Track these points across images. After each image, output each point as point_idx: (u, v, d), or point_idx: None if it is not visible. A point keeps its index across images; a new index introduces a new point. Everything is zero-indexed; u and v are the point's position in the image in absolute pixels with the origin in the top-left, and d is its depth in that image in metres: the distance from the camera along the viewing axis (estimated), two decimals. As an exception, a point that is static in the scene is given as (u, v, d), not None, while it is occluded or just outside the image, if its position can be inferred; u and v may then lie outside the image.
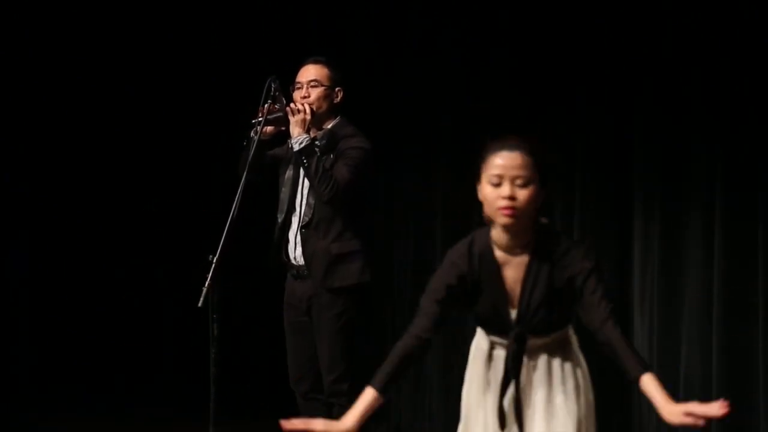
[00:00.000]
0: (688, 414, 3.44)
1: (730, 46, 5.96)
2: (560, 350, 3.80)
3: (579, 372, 3.83)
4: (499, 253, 3.72)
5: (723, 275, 5.93)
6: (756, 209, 5.88)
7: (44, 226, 8.56)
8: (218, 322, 5.01)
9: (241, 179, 5.29)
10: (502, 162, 3.62)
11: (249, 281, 7.89)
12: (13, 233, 8.51)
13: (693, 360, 6.05)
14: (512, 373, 3.74)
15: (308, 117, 5.39)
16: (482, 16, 7.14)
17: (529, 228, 3.68)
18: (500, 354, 3.80)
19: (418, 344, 3.75)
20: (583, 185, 6.60)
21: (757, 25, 5.85)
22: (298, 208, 5.48)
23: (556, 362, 3.79)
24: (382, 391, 3.76)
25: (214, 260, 4.99)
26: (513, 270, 3.71)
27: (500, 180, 3.62)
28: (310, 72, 5.52)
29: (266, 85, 5.39)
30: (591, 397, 3.85)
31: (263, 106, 5.41)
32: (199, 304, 4.95)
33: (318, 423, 3.71)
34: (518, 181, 3.62)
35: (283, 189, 5.54)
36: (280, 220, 5.51)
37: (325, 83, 5.51)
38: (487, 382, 3.81)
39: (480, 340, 3.89)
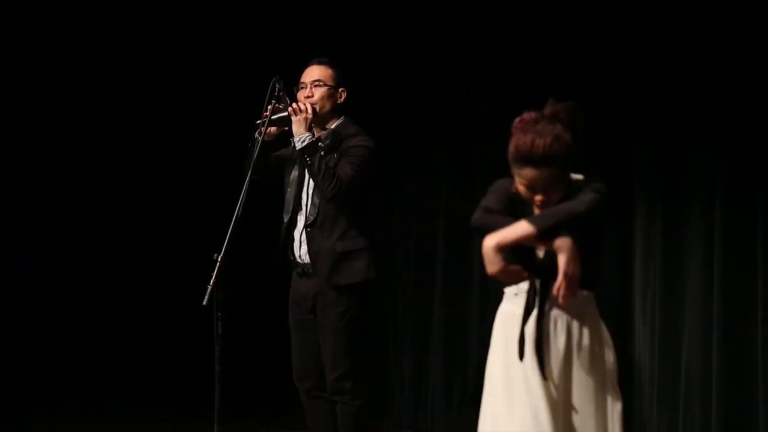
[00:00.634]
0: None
1: (730, 46, 5.97)
2: (581, 316, 3.88)
3: (597, 340, 3.90)
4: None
5: (723, 275, 5.94)
6: (756, 209, 5.90)
7: (45, 226, 8.58)
8: (223, 320, 5.02)
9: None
10: (531, 176, 3.81)
11: (253, 280, 7.91)
12: (15, 233, 8.52)
13: (693, 359, 6.07)
14: (533, 303, 3.83)
15: (310, 116, 5.41)
16: (482, 16, 7.17)
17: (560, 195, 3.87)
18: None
19: None
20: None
21: (757, 25, 5.87)
22: (303, 208, 5.50)
23: (575, 328, 3.88)
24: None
25: (219, 259, 5.00)
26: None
27: (533, 189, 3.82)
28: (314, 72, 5.55)
29: (270, 84, 5.41)
30: (610, 365, 3.90)
31: (267, 106, 5.42)
32: (204, 303, 4.96)
33: None
34: (547, 189, 3.82)
35: (288, 189, 5.57)
36: (286, 219, 5.54)
37: (329, 83, 5.53)
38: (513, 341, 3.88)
39: (503, 306, 3.97)
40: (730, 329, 5.93)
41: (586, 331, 3.88)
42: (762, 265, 5.84)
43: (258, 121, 5.45)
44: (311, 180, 5.44)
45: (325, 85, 5.53)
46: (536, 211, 3.88)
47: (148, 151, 8.53)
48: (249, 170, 5.27)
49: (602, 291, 4.03)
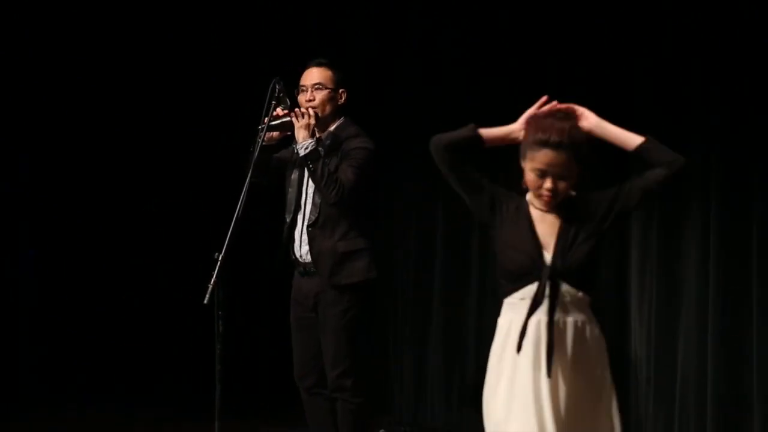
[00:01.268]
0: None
1: (727, 48, 5.99)
2: (582, 318, 3.90)
3: (596, 340, 3.93)
4: (534, 210, 3.94)
5: (719, 275, 5.97)
6: (751, 211, 5.92)
7: (45, 225, 8.58)
8: (223, 319, 5.03)
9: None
10: (547, 160, 3.85)
11: (254, 279, 7.93)
12: (15, 233, 8.53)
13: (689, 358, 6.09)
14: (540, 299, 3.84)
15: (312, 122, 5.43)
16: (482, 16, 7.17)
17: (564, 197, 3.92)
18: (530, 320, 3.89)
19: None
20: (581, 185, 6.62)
21: (757, 25, 5.88)
22: (304, 208, 5.52)
23: (579, 329, 3.90)
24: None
25: (220, 258, 5.02)
26: (546, 223, 3.92)
27: (543, 174, 3.85)
28: (314, 75, 5.56)
29: (271, 86, 5.42)
30: (606, 363, 3.94)
31: (268, 106, 5.43)
32: (205, 301, 4.98)
33: None
34: (560, 176, 3.85)
35: (290, 190, 5.59)
36: (288, 219, 5.57)
37: (329, 86, 5.55)
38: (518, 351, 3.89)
39: (506, 316, 3.95)
40: (726, 329, 5.96)
41: (587, 332, 3.90)
42: (757, 265, 5.87)
43: (260, 126, 5.46)
44: (311, 181, 5.46)
45: (326, 87, 5.54)
46: (537, 206, 3.91)
47: (148, 152, 8.54)
48: (249, 172, 5.29)
49: (599, 291, 4.05)
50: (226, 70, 8.33)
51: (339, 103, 5.57)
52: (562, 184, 3.86)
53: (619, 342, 6.28)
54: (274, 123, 5.42)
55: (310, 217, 5.49)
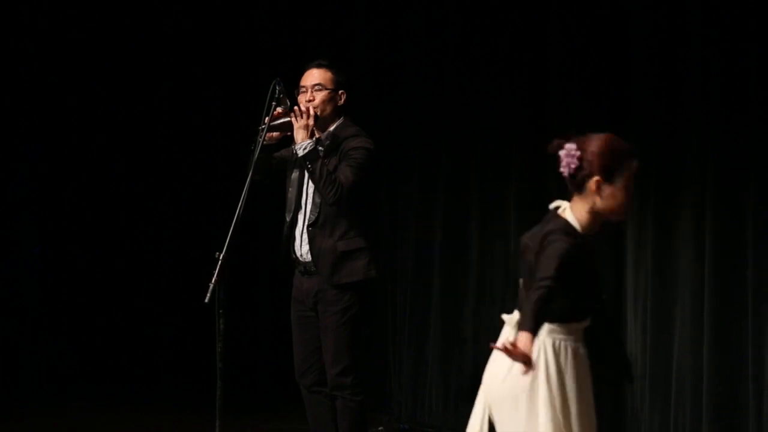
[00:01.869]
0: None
1: (724, 49, 5.99)
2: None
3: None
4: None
5: (713, 273, 5.98)
6: (745, 210, 5.93)
7: (50, 223, 8.61)
8: (224, 317, 5.06)
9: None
10: (637, 168, 4.02)
11: (254, 278, 7.95)
12: (20, 230, 8.55)
13: (684, 354, 6.10)
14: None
15: (311, 122, 5.45)
16: (482, 16, 7.18)
17: None
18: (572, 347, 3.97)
19: None
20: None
21: (755, 23, 5.88)
22: (304, 207, 5.55)
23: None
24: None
25: (221, 257, 5.05)
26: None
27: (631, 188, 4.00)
28: (314, 76, 5.58)
29: (271, 87, 5.44)
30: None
31: (268, 107, 5.45)
32: (206, 300, 5.01)
33: None
34: None
35: (290, 189, 5.62)
36: (288, 219, 5.60)
37: (329, 86, 5.57)
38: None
39: (549, 345, 3.99)
40: (721, 326, 5.97)
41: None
42: (752, 264, 5.88)
43: (261, 127, 5.48)
44: (311, 181, 5.50)
45: (326, 88, 5.56)
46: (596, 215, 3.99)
47: (151, 151, 8.57)
48: (250, 171, 5.32)
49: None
50: (227, 70, 8.35)
51: (339, 103, 5.60)
52: None
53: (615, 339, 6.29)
54: (274, 123, 5.45)
55: (310, 216, 5.52)
